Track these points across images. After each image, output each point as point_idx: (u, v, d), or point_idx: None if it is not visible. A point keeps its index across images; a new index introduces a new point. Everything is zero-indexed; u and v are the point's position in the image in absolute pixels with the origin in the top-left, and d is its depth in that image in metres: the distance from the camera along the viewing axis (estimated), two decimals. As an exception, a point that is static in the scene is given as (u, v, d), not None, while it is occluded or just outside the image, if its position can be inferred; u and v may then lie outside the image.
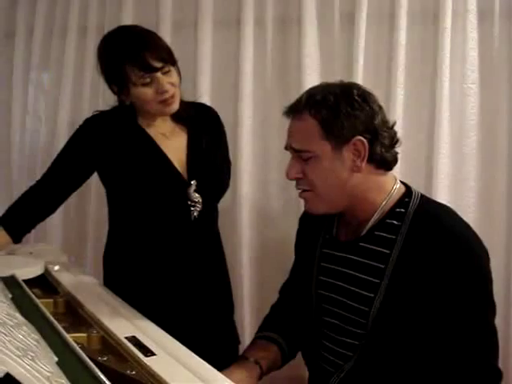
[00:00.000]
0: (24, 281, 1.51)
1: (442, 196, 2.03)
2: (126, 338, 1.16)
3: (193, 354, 1.13)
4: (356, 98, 1.27)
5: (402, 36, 2.04)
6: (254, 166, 2.22)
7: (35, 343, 0.97)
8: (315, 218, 1.44)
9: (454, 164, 2.08)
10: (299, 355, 1.58)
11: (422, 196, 1.33)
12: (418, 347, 1.23)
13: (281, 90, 2.21)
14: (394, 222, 1.28)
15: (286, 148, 1.36)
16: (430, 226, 1.24)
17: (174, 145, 1.71)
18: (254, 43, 2.19)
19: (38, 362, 0.83)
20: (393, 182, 1.33)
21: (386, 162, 1.30)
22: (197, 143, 1.72)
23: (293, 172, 1.33)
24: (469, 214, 2.06)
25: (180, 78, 1.67)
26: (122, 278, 1.70)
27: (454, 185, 2.08)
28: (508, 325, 2.04)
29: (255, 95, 2.20)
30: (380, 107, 1.30)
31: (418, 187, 1.82)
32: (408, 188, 1.35)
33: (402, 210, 1.29)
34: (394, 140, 1.32)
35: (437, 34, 2.04)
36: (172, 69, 1.63)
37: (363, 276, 1.29)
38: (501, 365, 1.26)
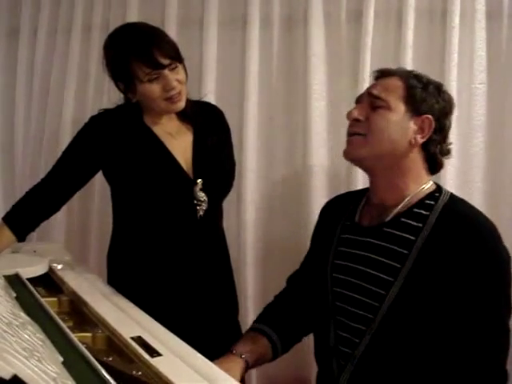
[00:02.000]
0: (28, 279, 1.50)
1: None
2: (132, 338, 1.15)
3: (198, 355, 1.12)
4: (444, 91, 1.40)
5: (410, 35, 2.02)
6: (259, 166, 2.20)
7: (41, 343, 0.96)
8: (337, 207, 1.49)
9: (461, 165, 2.06)
10: (306, 354, 1.58)
11: (453, 194, 1.38)
12: (430, 336, 1.24)
13: (286, 89, 2.19)
14: (423, 211, 1.32)
15: (358, 100, 1.42)
16: (457, 221, 1.27)
17: (180, 144, 1.70)
18: (259, 42, 2.17)
19: (44, 363, 0.82)
20: (427, 180, 1.39)
21: (433, 160, 1.37)
22: (202, 142, 1.71)
23: (357, 112, 1.37)
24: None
25: (186, 76, 1.65)
26: (126, 277, 1.69)
27: (460, 186, 2.06)
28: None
29: (261, 94, 2.19)
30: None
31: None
32: (439, 187, 1.39)
33: (432, 202, 1.33)
34: (447, 149, 1.40)
35: (444, 32, 2.02)
36: (179, 66, 1.62)
37: (385, 260, 1.31)
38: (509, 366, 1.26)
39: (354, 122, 1.38)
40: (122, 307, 1.38)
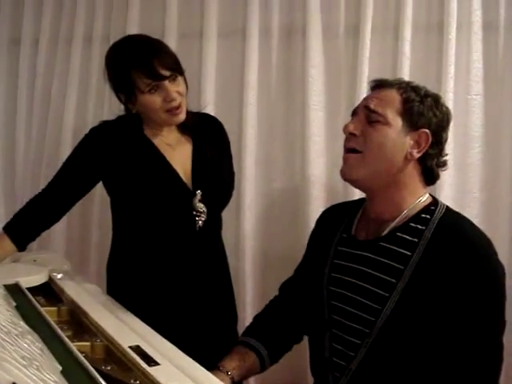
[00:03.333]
0: (28, 289, 1.50)
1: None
2: (130, 347, 1.16)
3: (197, 364, 1.13)
4: (442, 103, 1.39)
5: (407, 47, 2.04)
6: (257, 175, 2.22)
7: (40, 352, 0.97)
8: (334, 218, 1.48)
9: (458, 175, 2.07)
10: (303, 363, 1.58)
11: (448, 207, 1.37)
12: (425, 352, 1.24)
13: (285, 99, 2.21)
14: (419, 226, 1.31)
15: (354, 112, 1.40)
16: (453, 236, 1.27)
17: (180, 155, 1.71)
18: (258, 53, 2.19)
19: (43, 372, 0.83)
20: (423, 192, 1.38)
21: (429, 173, 1.37)
22: (202, 153, 1.73)
23: (352, 127, 1.36)
24: (472, 225, 2.05)
25: (187, 88, 1.67)
26: (126, 287, 1.69)
27: (457, 196, 2.07)
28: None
29: (259, 105, 2.20)
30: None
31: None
32: (435, 199, 1.39)
33: (428, 216, 1.32)
34: (443, 161, 1.40)
35: (441, 44, 2.03)
36: (179, 78, 1.63)
37: (380, 275, 1.30)
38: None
39: (350, 136, 1.37)
40: (121, 317, 1.39)
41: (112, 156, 1.68)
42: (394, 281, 1.28)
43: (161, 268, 1.67)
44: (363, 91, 2.02)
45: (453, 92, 2.02)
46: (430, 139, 1.33)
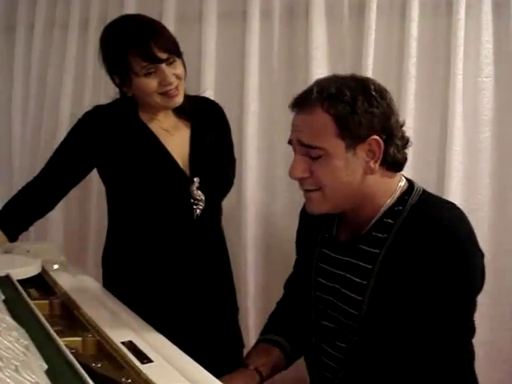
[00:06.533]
0: (20, 281, 1.45)
1: (455, 194, 1.97)
2: (123, 343, 1.10)
3: (192, 361, 1.07)
4: (374, 93, 1.17)
5: (414, 27, 1.98)
6: (259, 163, 2.17)
7: (23, 350, 0.92)
8: (315, 215, 1.35)
9: (467, 161, 2.01)
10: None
11: (424, 192, 1.25)
12: (404, 350, 1.16)
13: (288, 84, 2.15)
14: (390, 220, 1.21)
15: (290, 143, 1.25)
16: (420, 223, 1.16)
17: (177, 140, 1.65)
18: (260, 36, 2.14)
19: (21, 372, 0.78)
20: (398, 181, 1.25)
21: (397, 164, 1.23)
22: (200, 139, 1.67)
23: (298, 171, 1.22)
24: (482, 212, 2.01)
25: (185, 71, 1.61)
26: (122, 279, 1.65)
27: (467, 182, 2.02)
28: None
29: (261, 89, 2.16)
30: (394, 104, 1.22)
31: (430, 185, 1.77)
32: (411, 184, 1.26)
33: (401, 207, 1.21)
34: (405, 139, 1.24)
35: (450, 25, 1.97)
36: (177, 60, 1.58)
37: (353, 278, 1.23)
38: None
39: (300, 179, 1.24)
40: (115, 310, 1.34)
41: (106, 141, 1.62)
42: (364, 282, 1.20)
43: (157, 258, 1.62)
44: (369, 74, 1.97)
45: (462, 74, 1.97)
46: (382, 141, 1.17)
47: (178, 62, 1.58)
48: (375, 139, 1.17)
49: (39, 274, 1.59)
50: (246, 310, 2.12)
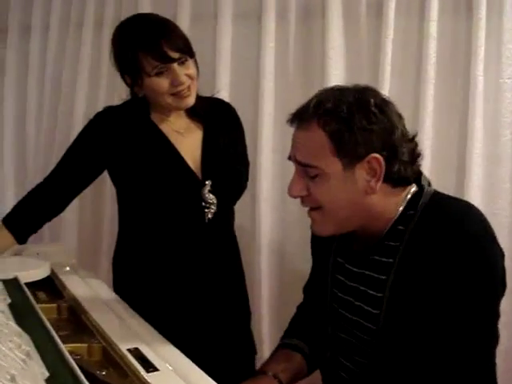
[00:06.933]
0: (30, 283, 1.44)
1: (474, 198, 1.91)
2: (129, 350, 1.08)
3: (199, 371, 1.04)
4: (373, 108, 1.11)
5: (433, 27, 1.93)
6: (274, 165, 2.13)
7: (23, 357, 0.90)
8: None
9: (487, 164, 1.96)
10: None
11: (435, 193, 1.18)
12: (425, 362, 1.10)
13: (304, 85, 2.11)
14: (401, 227, 1.15)
15: (290, 158, 1.20)
16: (432, 224, 1.10)
17: (189, 142, 1.62)
18: (275, 36, 2.10)
19: (18, 382, 0.75)
20: (405, 194, 1.18)
21: (405, 180, 1.16)
22: (213, 141, 1.63)
23: (296, 189, 1.17)
24: (503, 217, 1.95)
25: (198, 72, 1.58)
26: (132, 283, 1.62)
27: (487, 187, 1.96)
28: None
29: (276, 91, 2.12)
30: (400, 117, 1.15)
31: (449, 189, 1.72)
32: (420, 188, 1.19)
33: (412, 211, 1.15)
34: (414, 154, 1.16)
35: (470, 25, 1.92)
36: (189, 60, 1.54)
37: (368, 290, 1.18)
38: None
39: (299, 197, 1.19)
40: (123, 316, 1.32)
41: (117, 143, 1.59)
42: (380, 295, 1.15)
43: (168, 262, 1.59)
44: (387, 75, 1.95)
45: (483, 76, 1.91)
46: (383, 159, 1.10)
47: (190, 62, 1.55)
48: (375, 157, 1.10)
49: (49, 277, 1.57)
50: (260, 316, 2.09)
